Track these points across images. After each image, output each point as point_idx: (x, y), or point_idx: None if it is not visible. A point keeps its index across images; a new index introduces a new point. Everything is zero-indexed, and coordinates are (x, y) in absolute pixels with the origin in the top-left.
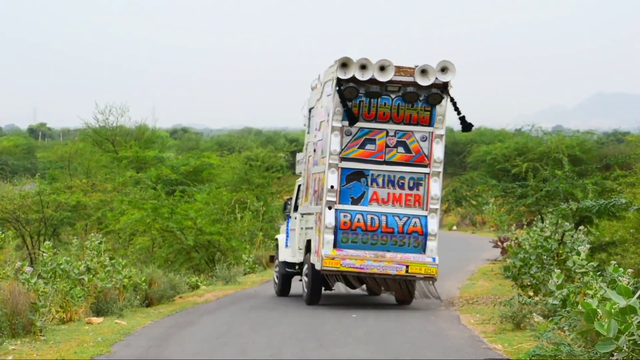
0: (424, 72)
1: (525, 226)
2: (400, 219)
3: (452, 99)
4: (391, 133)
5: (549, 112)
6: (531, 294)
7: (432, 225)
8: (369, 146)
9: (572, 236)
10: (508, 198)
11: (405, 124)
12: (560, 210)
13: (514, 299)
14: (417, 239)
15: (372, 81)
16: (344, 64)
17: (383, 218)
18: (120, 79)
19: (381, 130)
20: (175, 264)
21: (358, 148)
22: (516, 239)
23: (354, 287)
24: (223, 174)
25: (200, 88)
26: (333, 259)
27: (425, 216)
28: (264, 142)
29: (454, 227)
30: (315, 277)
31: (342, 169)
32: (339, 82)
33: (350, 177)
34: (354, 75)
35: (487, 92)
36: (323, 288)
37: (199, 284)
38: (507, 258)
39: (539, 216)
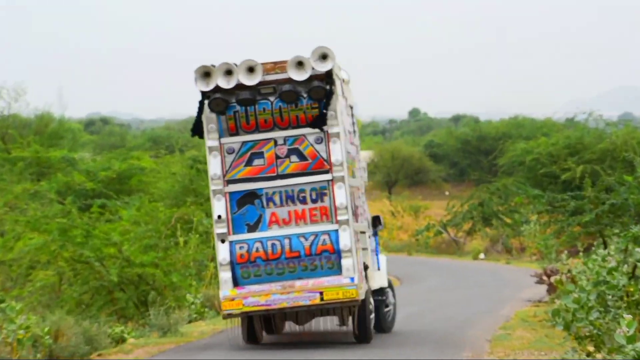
0: (299, 64)
1: (581, 254)
2: (307, 239)
3: (329, 90)
4: (280, 141)
5: (615, 95)
6: (591, 349)
7: (345, 239)
8: (256, 161)
9: None
10: (557, 215)
11: (293, 127)
12: (630, 233)
13: (568, 356)
14: (330, 259)
15: (241, 86)
16: (206, 73)
17: (286, 242)
18: (14, 51)
19: (268, 140)
20: (92, 307)
21: (245, 166)
22: (568, 271)
23: (300, 324)
24: (159, 182)
25: (126, 65)
26: (233, 299)
27: (336, 230)
28: None
29: (481, 256)
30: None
31: (230, 193)
32: (204, 95)
33: (242, 200)
34: (217, 84)
35: (529, 71)
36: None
37: (126, 335)
38: (556, 298)
39: (601, 240)
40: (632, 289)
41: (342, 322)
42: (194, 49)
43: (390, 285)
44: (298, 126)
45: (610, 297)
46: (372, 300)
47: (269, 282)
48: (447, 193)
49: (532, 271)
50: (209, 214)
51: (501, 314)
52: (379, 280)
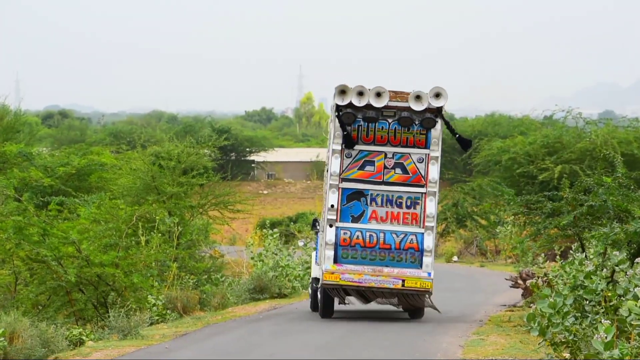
0: (418, 97)
1: (558, 257)
2: (398, 236)
3: (446, 122)
4: (389, 155)
5: (595, 92)
6: (567, 355)
7: (428, 241)
8: (368, 167)
9: (627, 273)
10: (533, 216)
11: (402, 146)
12: (608, 234)
13: None
14: (414, 255)
15: (369, 107)
16: (342, 91)
17: (381, 235)
18: None
19: (379, 152)
20: (49, 309)
21: (358, 169)
22: (545, 275)
23: (367, 302)
24: (120, 178)
25: (85, 55)
26: (333, 273)
27: (422, 233)
28: (181, 133)
29: (454, 258)
30: (325, 290)
31: (343, 189)
32: (338, 108)
33: (351, 196)
34: (350, 101)
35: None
36: (338, 302)
37: (84, 338)
38: (532, 303)
39: (579, 243)
40: (610, 294)
41: (400, 304)
42: (157, 38)
43: None
44: (406, 146)
45: (587, 302)
46: None
47: (362, 264)
48: None
49: (507, 274)
50: (172, 213)
51: (474, 319)
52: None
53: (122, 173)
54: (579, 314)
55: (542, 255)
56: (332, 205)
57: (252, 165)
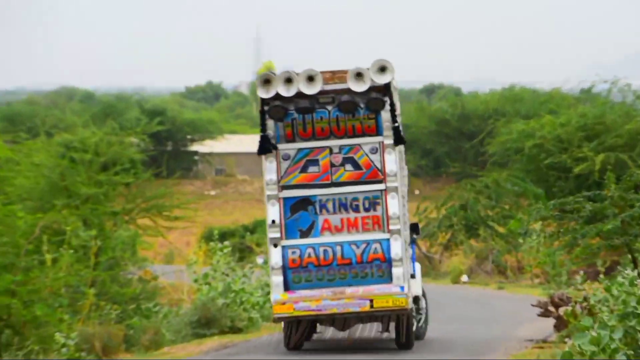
0: (358, 75)
1: (601, 275)
2: (358, 247)
3: (391, 104)
4: (335, 150)
5: None
6: None
7: (396, 248)
8: (311, 168)
9: None
10: (568, 222)
11: (349, 137)
12: None
13: None
14: (380, 267)
15: (301, 95)
16: (266, 81)
17: (337, 249)
18: None
19: (323, 148)
20: None
21: (300, 172)
22: (584, 300)
23: (343, 329)
24: (18, 177)
25: None
26: (284, 303)
27: (387, 239)
28: (99, 116)
29: (464, 278)
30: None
31: (284, 198)
32: (263, 102)
33: (295, 206)
34: (277, 92)
35: (531, 28)
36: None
37: None
38: (567, 337)
39: (629, 256)
40: None
41: (385, 329)
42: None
43: (423, 293)
44: (354, 135)
45: None
46: (413, 306)
47: (320, 287)
48: (417, 192)
49: (534, 299)
50: (87, 222)
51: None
52: (414, 288)
53: (21, 170)
54: (631, 352)
55: (580, 273)
56: (273, 221)
57: (195, 157)
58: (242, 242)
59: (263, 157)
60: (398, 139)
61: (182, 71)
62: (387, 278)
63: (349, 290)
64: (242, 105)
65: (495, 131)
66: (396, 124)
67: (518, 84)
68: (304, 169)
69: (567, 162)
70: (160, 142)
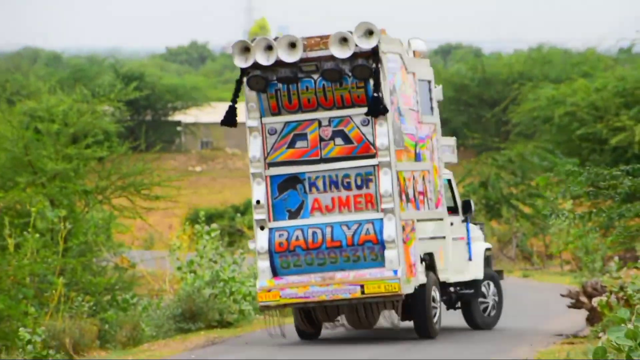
0: (343, 40)
1: None
2: (349, 228)
3: (376, 72)
4: (324, 122)
5: None
6: None
7: (389, 229)
8: (299, 143)
9: None
10: (603, 201)
11: (338, 108)
12: None
13: None
14: (373, 250)
15: (282, 64)
16: (245, 49)
17: (327, 230)
18: None
19: (312, 121)
20: None
21: (287, 148)
22: (621, 289)
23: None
24: None
25: None
26: (270, 291)
27: (380, 219)
28: (68, 82)
29: None
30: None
31: (271, 177)
32: (243, 72)
33: (283, 185)
34: (256, 60)
35: None
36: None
37: None
38: (601, 331)
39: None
40: None
41: (403, 318)
42: None
43: (491, 277)
44: (343, 106)
45: None
46: (437, 292)
47: (309, 272)
48: None
49: (564, 288)
50: (55, 202)
51: (515, 357)
52: (471, 271)
53: None
54: None
55: (616, 259)
56: (258, 202)
57: (178, 128)
58: (232, 225)
59: (247, 132)
60: (374, 110)
61: (162, 30)
62: (381, 261)
63: (338, 275)
64: (232, 69)
65: (521, 98)
66: (376, 94)
67: (547, 44)
68: (291, 144)
69: (602, 133)
70: (138, 111)
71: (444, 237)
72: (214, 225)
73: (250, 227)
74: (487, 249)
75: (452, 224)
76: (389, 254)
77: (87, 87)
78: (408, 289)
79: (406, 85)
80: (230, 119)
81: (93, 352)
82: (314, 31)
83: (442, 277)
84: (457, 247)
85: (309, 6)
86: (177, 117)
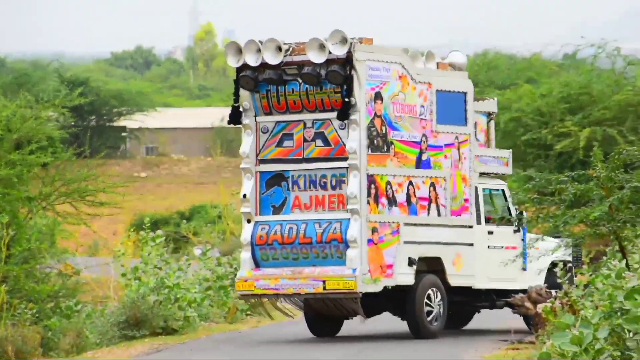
0: (321, 47)
1: (585, 266)
2: (321, 226)
3: (349, 77)
4: (308, 124)
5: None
6: None
7: (353, 229)
8: (286, 143)
9: None
10: (548, 207)
11: (320, 111)
12: None
13: None
14: (338, 248)
15: (267, 65)
16: (239, 50)
17: (302, 227)
18: None
19: (298, 122)
20: None
21: (276, 146)
22: (565, 294)
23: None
24: None
25: None
26: (246, 281)
27: (348, 219)
28: (11, 87)
29: None
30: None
31: (261, 173)
32: (238, 72)
33: (270, 181)
34: (245, 61)
35: None
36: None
37: None
38: (546, 337)
39: (617, 245)
40: None
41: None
42: None
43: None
44: (324, 110)
45: (630, 334)
46: (436, 294)
47: (284, 266)
48: None
49: (510, 295)
50: None
51: None
52: (526, 280)
53: None
54: (618, 353)
55: (561, 264)
56: (244, 195)
57: (123, 134)
58: (177, 231)
59: (242, 128)
60: (342, 114)
61: (106, 34)
62: (345, 260)
63: (306, 270)
64: (177, 74)
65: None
66: (347, 99)
67: (492, 49)
68: (279, 143)
69: (547, 138)
70: (83, 117)
71: (469, 244)
72: (159, 232)
73: (196, 234)
74: (566, 261)
75: (491, 232)
76: (350, 253)
77: (30, 93)
78: (372, 288)
79: (409, 94)
80: (234, 118)
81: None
82: (259, 36)
83: (459, 282)
84: (499, 256)
85: (255, 11)
86: (122, 122)
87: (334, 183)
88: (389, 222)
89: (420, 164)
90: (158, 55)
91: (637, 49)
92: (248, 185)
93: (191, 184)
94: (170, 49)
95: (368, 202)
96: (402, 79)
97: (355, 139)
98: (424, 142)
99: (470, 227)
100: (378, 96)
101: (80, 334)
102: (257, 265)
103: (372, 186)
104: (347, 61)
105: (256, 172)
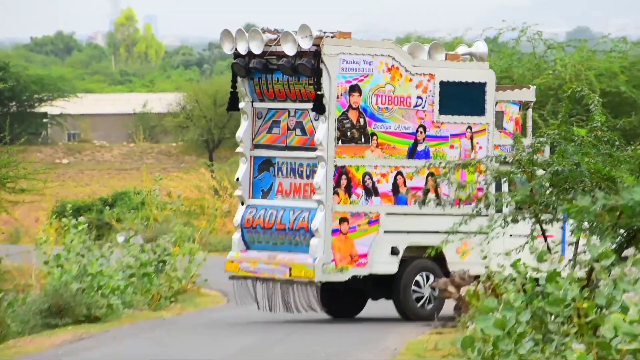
0: (293, 39)
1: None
2: (294, 213)
3: (317, 70)
4: (292, 113)
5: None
6: None
7: (317, 219)
8: (275, 130)
9: (611, 272)
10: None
11: (300, 101)
12: (588, 208)
13: None
14: (305, 236)
15: (255, 54)
16: (231, 37)
17: (281, 213)
18: None
19: (284, 110)
20: None
21: (267, 133)
22: (488, 278)
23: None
24: None
25: None
26: (233, 262)
27: (316, 209)
28: None
29: None
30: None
31: (255, 157)
32: (234, 56)
33: (262, 166)
34: (235, 48)
35: None
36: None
37: None
38: (469, 320)
39: (537, 227)
40: (585, 305)
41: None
42: None
43: None
44: (302, 100)
45: (552, 317)
46: (424, 279)
47: (265, 250)
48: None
49: (433, 279)
50: None
51: (384, 347)
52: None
53: None
54: (540, 336)
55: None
56: (237, 179)
57: (44, 120)
58: (100, 218)
59: (241, 113)
60: (317, 107)
61: (25, 18)
62: (309, 248)
63: (279, 256)
64: (99, 60)
65: None
66: (319, 92)
67: (414, 34)
68: (270, 130)
69: None
70: (3, 103)
71: (480, 233)
72: (81, 219)
73: (119, 220)
74: None
75: (516, 220)
76: (313, 241)
77: None
78: (335, 277)
79: (400, 85)
80: (233, 104)
81: None
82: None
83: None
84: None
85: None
86: (44, 108)
87: (308, 172)
88: (364, 212)
89: (414, 154)
90: (79, 41)
91: (558, 32)
92: (242, 169)
93: (114, 170)
94: (90, 34)
95: (337, 193)
96: (392, 71)
97: (322, 130)
98: (420, 132)
99: (485, 215)
100: (355, 88)
101: (1, 323)
102: (248, 247)
103: (343, 177)
104: (315, 55)
105: (250, 157)
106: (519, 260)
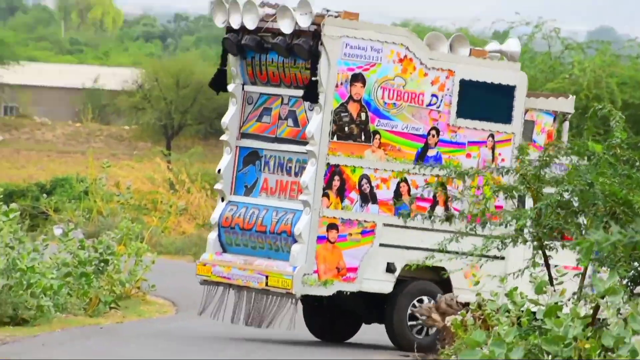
0: (291, 16)
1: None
2: (277, 215)
3: (315, 53)
4: (285, 100)
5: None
6: None
7: (301, 223)
8: (265, 118)
9: (620, 311)
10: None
11: (294, 87)
12: (601, 242)
13: None
14: (287, 241)
15: (246, 30)
16: (223, 9)
17: (263, 213)
18: None
19: (277, 96)
20: None
21: (256, 121)
22: (478, 307)
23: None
24: None
25: None
26: (205, 265)
27: (301, 211)
28: None
29: None
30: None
31: (241, 148)
32: (227, 30)
33: (247, 159)
34: (228, 21)
35: None
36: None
37: None
38: (454, 353)
39: (539, 253)
40: (589, 346)
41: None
42: None
43: None
44: (297, 86)
45: (548, 356)
46: (414, 303)
47: (244, 254)
48: None
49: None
50: None
51: None
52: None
53: None
54: None
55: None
56: (219, 171)
57: None
58: (36, 206)
59: (230, 97)
60: (308, 95)
61: None
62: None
63: (257, 262)
64: (46, 24)
65: None
66: (314, 78)
67: (413, 20)
68: (260, 118)
69: None
70: None
71: (496, 257)
72: (13, 205)
73: (57, 210)
74: None
75: (546, 247)
76: (294, 248)
77: None
78: (318, 291)
79: (413, 79)
80: (217, 82)
81: None
82: None
83: (470, 299)
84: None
85: None
86: None
87: (297, 169)
88: (357, 220)
89: (423, 159)
90: (25, 2)
91: (578, 30)
92: (225, 160)
93: (55, 152)
94: None
95: (327, 195)
96: (404, 62)
97: (316, 122)
98: (432, 136)
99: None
100: (358, 78)
101: None
102: (224, 249)
103: (336, 178)
104: (314, 35)
105: (236, 147)
106: (515, 289)
